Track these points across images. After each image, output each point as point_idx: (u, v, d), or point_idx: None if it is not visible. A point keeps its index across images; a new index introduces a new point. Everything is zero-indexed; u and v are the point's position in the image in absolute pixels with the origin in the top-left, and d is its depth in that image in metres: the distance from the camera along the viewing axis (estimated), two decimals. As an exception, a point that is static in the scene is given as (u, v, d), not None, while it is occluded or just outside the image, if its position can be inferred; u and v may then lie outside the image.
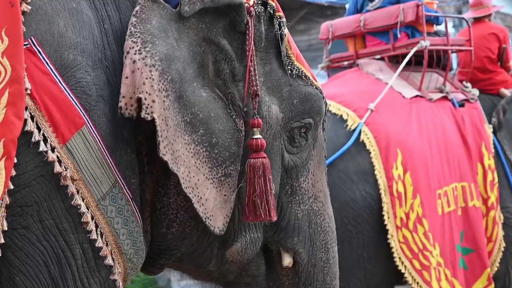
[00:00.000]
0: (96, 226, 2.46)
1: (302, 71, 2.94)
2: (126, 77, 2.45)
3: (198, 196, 2.59)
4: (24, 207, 2.38)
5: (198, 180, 2.59)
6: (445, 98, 5.89)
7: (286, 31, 2.89)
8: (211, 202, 2.63)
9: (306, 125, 2.93)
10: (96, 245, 2.46)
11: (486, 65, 6.56)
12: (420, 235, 5.18)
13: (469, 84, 6.24)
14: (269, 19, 2.87)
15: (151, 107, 2.44)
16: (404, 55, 5.89)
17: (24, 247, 2.40)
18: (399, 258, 5.13)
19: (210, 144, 2.62)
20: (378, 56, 6.07)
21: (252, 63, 2.72)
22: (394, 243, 5.11)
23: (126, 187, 2.52)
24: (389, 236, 5.10)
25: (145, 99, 2.44)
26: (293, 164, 2.92)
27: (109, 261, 2.49)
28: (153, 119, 2.45)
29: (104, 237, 2.48)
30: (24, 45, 2.39)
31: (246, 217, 2.72)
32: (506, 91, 6.49)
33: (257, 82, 2.72)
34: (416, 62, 5.94)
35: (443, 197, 5.41)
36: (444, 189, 5.44)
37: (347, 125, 5.29)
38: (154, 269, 2.87)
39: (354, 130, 5.27)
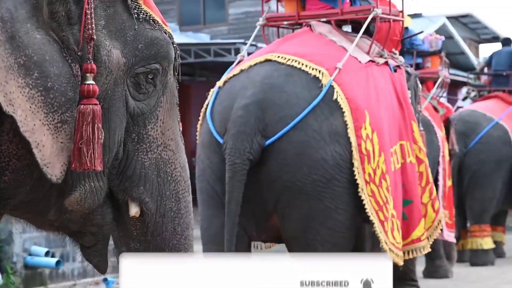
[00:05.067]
0: None
1: (150, 15, 2.83)
2: None
3: (35, 141, 2.50)
4: None
5: (35, 125, 2.49)
6: (385, 63, 6.19)
7: None
8: (48, 149, 2.53)
9: (153, 70, 2.83)
10: None
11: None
12: (383, 190, 5.53)
13: (397, 51, 6.55)
14: None
15: None
16: (352, 20, 6.30)
17: None
18: (369, 209, 5.46)
19: (45, 88, 2.52)
20: (324, 19, 6.26)
21: (89, 6, 2.61)
22: (364, 196, 5.45)
23: None
24: (359, 190, 5.43)
25: None
26: (140, 111, 2.83)
27: None
28: None
29: None
30: None
31: (73, 165, 2.62)
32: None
33: (93, 25, 2.61)
34: (352, 28, 6.34)
35: (394, 155, 5.81)
36: (394, 148, 5.84)
37: (322, 84, 5.51)
38: None
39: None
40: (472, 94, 12.64)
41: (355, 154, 5.42)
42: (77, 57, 2.63)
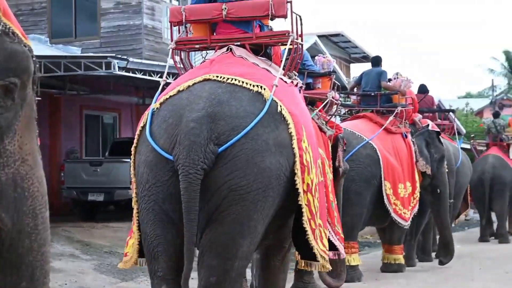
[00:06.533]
0: None
1: (9, 27, 2.78)
2: None
3: None
4: None
5: None
6: (296, 84, 6.59)
7: None
8: None
9: (11, 84, 2.76)
10: None
11: None
12: (316, 200, 5.86)
13: (296, 73, 6.88)
14: None
15: None
16: (266, 44, 6.63)
17: None
18: (305, 218, 5.76)
19: None
20: (238, 43, 6.51)
21: None
22: (302, 204, 5.73)
23: None
24: (299, 198, 5.72)
25: None
26: None
27: None
28: None
29: None
30: None
31: None
32: None
33: None
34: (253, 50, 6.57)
35: (318, 168, 6.16)
36: (318, 161, 6.20)
37: (265, 99, 5.72)
38: None
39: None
40: (342, 112, 12.89)
41: (298, 165, 5.66)
42: None
